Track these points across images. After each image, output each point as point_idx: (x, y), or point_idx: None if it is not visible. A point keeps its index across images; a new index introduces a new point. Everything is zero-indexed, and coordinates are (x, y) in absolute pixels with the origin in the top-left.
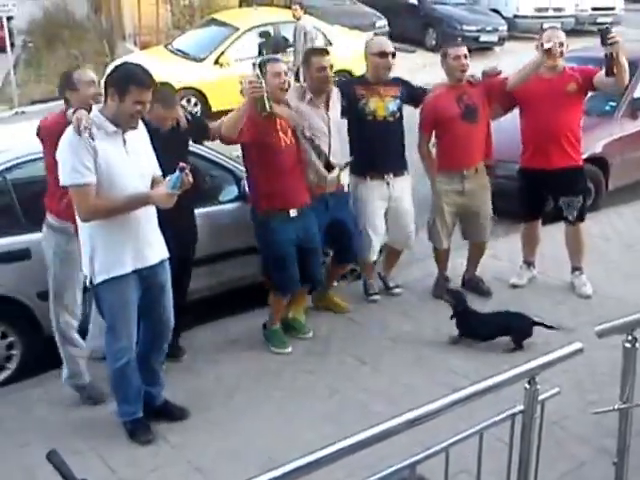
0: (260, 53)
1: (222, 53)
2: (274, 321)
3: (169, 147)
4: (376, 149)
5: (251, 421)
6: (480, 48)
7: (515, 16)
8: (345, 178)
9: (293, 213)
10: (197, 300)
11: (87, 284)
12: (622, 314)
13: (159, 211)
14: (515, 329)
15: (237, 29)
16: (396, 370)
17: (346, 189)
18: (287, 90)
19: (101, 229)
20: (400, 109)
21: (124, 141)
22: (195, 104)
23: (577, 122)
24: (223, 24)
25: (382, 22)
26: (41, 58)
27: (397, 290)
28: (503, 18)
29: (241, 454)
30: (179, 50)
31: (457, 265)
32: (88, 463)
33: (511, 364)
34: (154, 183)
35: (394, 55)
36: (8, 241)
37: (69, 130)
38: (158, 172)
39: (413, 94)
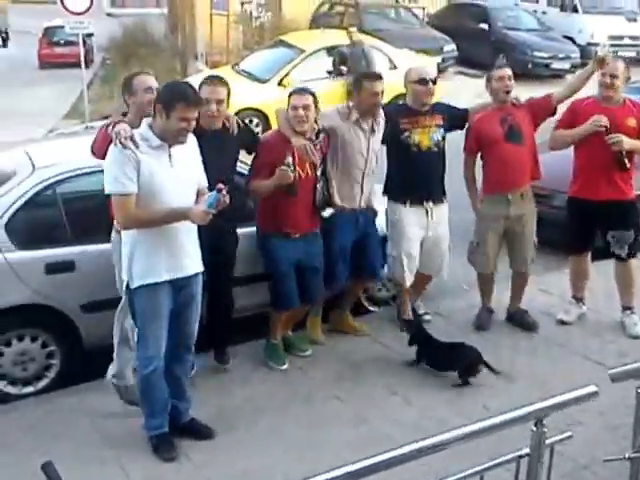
0: (333, 72)
1: (286, 74)
2: (274, 336)
3: (217, 148)
4: (418, 178)
5: (275, 445)
6: (552, 75)
7: (589, 44)
8: (377, 201)
9: (295, 236)
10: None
11: (124, 289)
12: None
13: (200, 227)
14: (462, 364)
15: (303, 51)
16: (428, 403)
17: (381, 212)
18: (303, 122)
19: (141, 236)
20: (444, 138)
21: (169, 155)
22: (257, 125)
23: (631, 155)
24: (289, 46)
25: (450, 46)
26: (117, 75)
27: (427, 317)
28: (576, 45)
29: (262, 477)
30: (244, 71)
31: (503, 298)
32: (108, 472)
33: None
34: (199, 194)
35: (435, 82)
36: (53, 252)
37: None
38: (204, 183)
39: (456, 117)
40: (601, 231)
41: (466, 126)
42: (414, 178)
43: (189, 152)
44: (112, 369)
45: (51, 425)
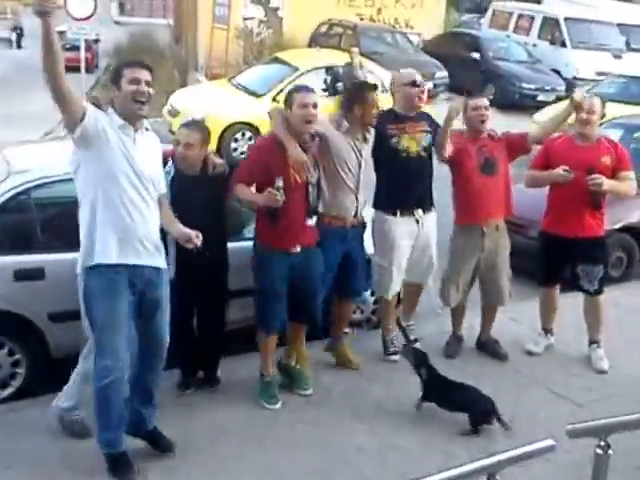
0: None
1: (280, 91)
2: (267, 368)
3: (195, 191)
4: (408, 185)
5: (237, 468)
6: (537, 107)
7: (575, 78)
8: (365, 212)
9: (294, 250)
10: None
11: (80, 271)
12: (637, 394)
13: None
14: (476, 410)
15: (297, 69)
16: (394, 431)
17: (368, 224)
18: (312, 123)
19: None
20: (431, 144)
21: (134, 139)
22: (249, 138)
23: (604, 193)
24: (285, 63)
25: (442, 73)
26: None
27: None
28: (562, 79)
29: None
30: (240, 85)
31: (474, 324)
32: None
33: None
34: (162, 205)
35: (425, 85)
36: (23, 259)
37: None
38: (163, 190)
39: (435, 130)
40: (571, 264)
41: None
42: (404, 185)
43: (152, 145)
44: (64, 401)
45: (10, 438)
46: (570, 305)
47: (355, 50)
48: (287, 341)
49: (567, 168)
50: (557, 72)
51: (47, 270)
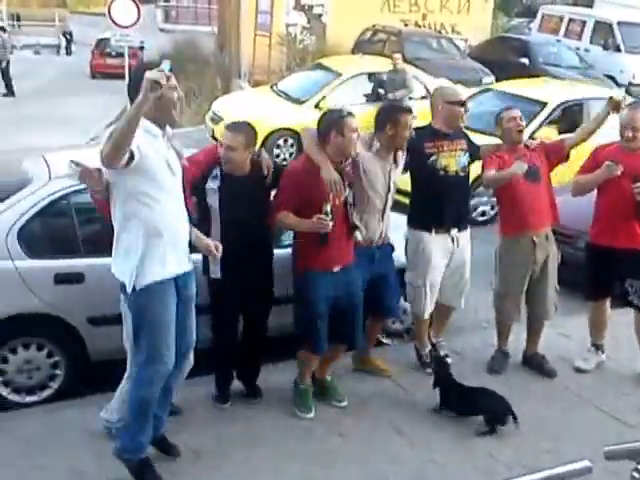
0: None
1: (323, 97)
2: (303, 378)
3: (240, 194)
4: (444, 204)
5: (272, 476)
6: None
7: (630, 84)
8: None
9: (336, 269)
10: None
11: (128, 291)
12: None
13: (240, 250)
14: (491, 412)
15: (340, 75)
16: (432, 446)
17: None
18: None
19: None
20: (469, 164)
21: (167, 147)
22: (292, 145)
23: None
24: (327, 69)
25: (489, 79)
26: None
27: (448, 360)
28: (617, 85)
29: None
30: (282, 91)
31: (520, 339)
32: None
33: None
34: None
35: (467, 105)
36: (63, 263)
37: None
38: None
39: (473, 148)
40: (619, 279)
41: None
42: (441, 204)
43: (175, 149)
44: (111, 414)
45: (48, 439)
46: (624, 321)
47: (398, 56)
48: (323, 357)
49: (612, 162)
50: (611, 78)
51: (87, 274)
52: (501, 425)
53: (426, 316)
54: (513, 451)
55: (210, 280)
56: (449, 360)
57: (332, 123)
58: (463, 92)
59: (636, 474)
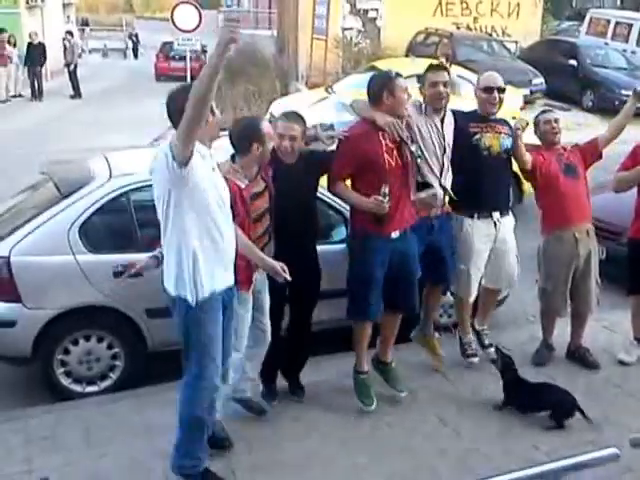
0: None
1: None
2: (361, 362)
3: (292, 181)
4: (487, 186)
5: (318, 466)
6: (638, 114)
7: None
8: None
9: (395, 235)
10: None
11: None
12: None
13: (283, 248)
14: (558, 406)
15: None
16: (478, 437)
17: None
18: (445, 99)
19: (191, 251)
20: (512, 148)
21: (212, 167)
22: None
23: None
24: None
25: (539, 80)
26: (221, 90)
27: (491, 350)
28: None
29: None
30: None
31: (564, 333)
32: None
33: (596, 446)
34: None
35: (502, 90)
36: (122, 257)
37: None
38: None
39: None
40: None
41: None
42: (483, 185)
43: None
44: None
45: (107, 428)
46: None
47: (443, 58)
48: (382, 335)
49: None
50: None
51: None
52: (568, 419)
53: (470, 299)
54: (555, 442)
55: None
56: (491, 350)
57: (383, 84)
58: (499, 80)
59: None
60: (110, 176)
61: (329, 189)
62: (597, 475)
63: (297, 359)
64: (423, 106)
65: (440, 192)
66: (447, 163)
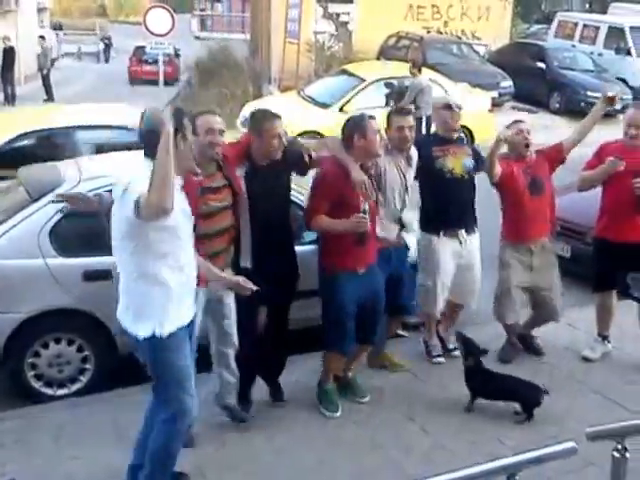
0: (387, 104)
1: (348, 101)
2: (327, 379)
3: (271, 180)
4: (451, 206)
5: (286, 464)
6: (603, 115)
7: None
8: (409, 235)
9: (361, 271)
10: None
11: (146, 341)
12: None
13: (264, 238)
14: (524, 397)
15: (363, 80)
16: (444, 433)
17: (413, 246)
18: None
19: (160, 285)
20: (474, 168)
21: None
22: None
23: None
24: (352, 75)
25: (507, 83)
26: (195, 94)
27: (456, 353)
28: (629, 87)
29: None
30: (309, 96)
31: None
32: None
33: (560, 440)
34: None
35: (460, 108)
36: (92, 261)
37: None
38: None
39: (477, 158)
40: (623, 271)
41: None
42: (448, 205)
43: None
44: (217, 390)
45: (78, 431)
46: (630, 311)
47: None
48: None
49: (615, 158)
50: (623, 81)
51: (114, 271)
52: (538, 407)
53: (437, 316)
54: (519, 436)
55: (238, 271)
56: (456, 353)
57: (355, 127)
58: (456, 99)
59: (616, 453)
60: (80, 179)
61: (308, 226)
62: (559, 469)
63: (277, 362)
64: (388, 146)
65: (397, 227)
66: (407, 200)
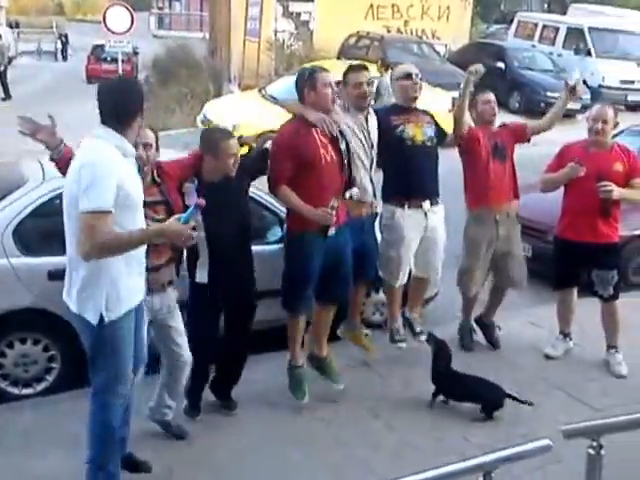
0: None
1: None
2: (295, 356)
3: (226, 199)
4: (415, 175)
5: (252, 462)
6: (563, 114)
7: (600, 86)
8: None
9: (330, 232)
10: None
11: (95, 325)
12: None
13: (220, 254)
14: (486, 398)
15: None
16: (409, 430)
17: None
18: (334, 102)
19: (108, 264)
20: (436, 135)
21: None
22: None
23: (618, 202)
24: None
25: None
26: (154, 92)
27: (423, 337)
28: (588, 87)
29: None
30: (270, 95)
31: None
32: None
33: (525, 438)
34: None
35: (420, 79)
36: (57, 260)
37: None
38: None
39: (439, 131)
40: (585, 269)
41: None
42: (410, 174)
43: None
44: (151, 404)
45: (45, 430)
46: (590, 310)
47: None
48: (315, 329)
49: (577, 163)
50: (583, 81)
51: None
52: (497, 411)
53: (397, 284)
54: (485, 434)
55: (193, 284)
56: (423, 337)
57: (304, 81)
58: (413, 67)
59: (591, 450)
60: (44, 178)
61: (272, 192)
62: (527, 466)
63: (231, 375)
64: (347, 105)
65: (370, 187)
66: (375, 158)
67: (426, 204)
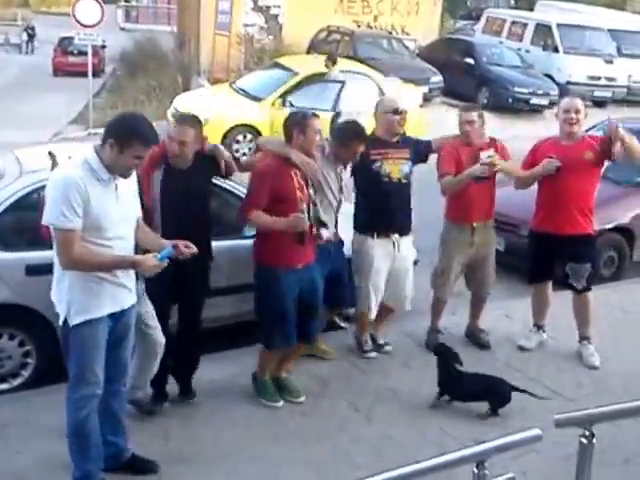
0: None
1: (280, 95)
2: (263, 374)
3: (184, 187)
4: (387, 209)
5: (234, 458)
6: (530, 110)
7: (567, 82)
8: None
9: (300, 266)
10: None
11: (60, 324)
12: (626, 390)
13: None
14: (494, 395)
15: (296, 74)
16: (389, 423)
17: (347, 244)
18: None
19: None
20: (411, 172)
21: (116, 187)
22: (250, 141)
23: (591, 191)
24: (284, 68)
25: (437, 78)
26: (122, 85)
27: (387, 348)
28: (555, 84)
29: None
30: (241, 89)
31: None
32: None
33: (502, 428)
34: (138, 228)
35: (406, 112)
36: (34, 255)
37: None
38: (139, 214)
39: (421, 151)
40: (560, 262)
41: (429, 158)
42: (383, 209)
43: (130, 185)
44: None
45: (20, 425)
46: (563, 302)
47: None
48: (282, 358)
49: (551, 158)
50: (550, 77)
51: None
52: (504, 406)
53: (371, 316)
54: (463, 426)
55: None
56: (388, 348)
57: (295, 123)
58: (401, 102)
59: (583, 440)
60: (20, 173)
61: (243, 218)
62: (504, 455)
63: (189, 361)
64: (326, 150)
65: (333, 230)
66: (342, 201)
67: (395, 235)
